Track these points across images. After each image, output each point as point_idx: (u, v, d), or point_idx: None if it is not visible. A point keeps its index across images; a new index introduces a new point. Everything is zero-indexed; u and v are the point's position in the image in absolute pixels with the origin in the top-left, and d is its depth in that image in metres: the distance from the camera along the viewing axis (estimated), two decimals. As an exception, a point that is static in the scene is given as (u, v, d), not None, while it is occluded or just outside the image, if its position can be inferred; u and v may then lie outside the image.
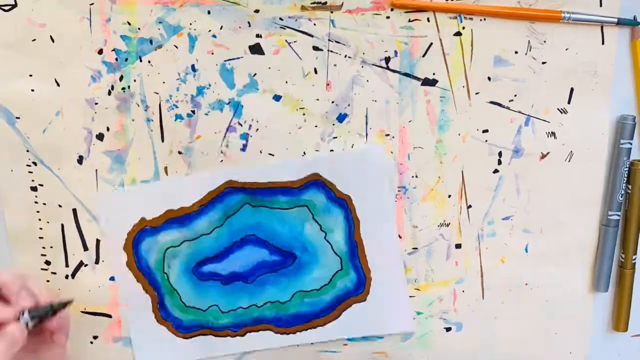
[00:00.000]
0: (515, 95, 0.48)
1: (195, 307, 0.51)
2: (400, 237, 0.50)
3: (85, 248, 0.50)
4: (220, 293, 0.51)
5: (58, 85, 0.47)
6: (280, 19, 0.46)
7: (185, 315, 0.51)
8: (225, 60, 0.47)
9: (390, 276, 0.51)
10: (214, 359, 0.52)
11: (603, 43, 0.47)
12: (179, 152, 0.48)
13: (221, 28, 0.46)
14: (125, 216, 0.49)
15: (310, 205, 0.49)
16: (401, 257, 0.51)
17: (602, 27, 0.47)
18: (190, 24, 0.46)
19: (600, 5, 0.47)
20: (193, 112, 0.48)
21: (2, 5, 0.46)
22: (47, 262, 0.51)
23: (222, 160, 0.49)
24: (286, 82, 0.47)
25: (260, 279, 0.50)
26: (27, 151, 0.48)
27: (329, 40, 0.47)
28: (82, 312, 0.51)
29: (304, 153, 0.48)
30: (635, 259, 0.51)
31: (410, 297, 0.52)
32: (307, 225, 0.50)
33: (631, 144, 0.49)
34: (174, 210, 0.49)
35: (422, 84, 0.48)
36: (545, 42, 0.47)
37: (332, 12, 0.46)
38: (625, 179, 0.49)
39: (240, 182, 0.48)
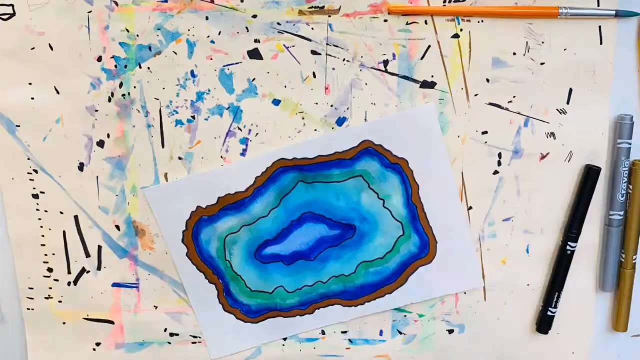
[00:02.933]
0: (514, 96, 0.48)
1: (261, 290, 0.51)
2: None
3: (87, 255, 0.50)
4: (284, 274, 0.50)
5: (58, 93, 0.47)
6: (278, 23, 0.47)
7: (252, 300, 0.51)
8: (224, 66, 0.47)
9: (455, 235, 0.50)
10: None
11: (601, 43, 0.48)
12: (179, 158, 0.49)
13: (219, 33, 0.47)
14: (179, 209, 0.49)
15: (365, 174, 0.49)
16: (463, 215, 0.50)
17: (600, 27, 0.47)
18: (189, 30, 0.46)
19: (598, 5, 0.47)
20: (193, 117, 0.48)
21: (0, 14, 0.46)
22: (49, 269, 0.51)
23: (222, 165, 0.49)
24: (285, 86, 0.48)
25: (323, 254, 0.50)
26: (28, 159, 0.48)
27: (327, 44, 0.47)
28: (85, 318, 0.52)
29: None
30: (635, 258, 0.51)
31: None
32: (363, 195, 0.49)
33: (629, 143, 0.49)
34: (229, 197, 0.49)
35: (420, 87, 0.48)
36: (543, 42, 0.47)
37: (329, 16, 0.47)
38: (625, 178, 0.49)
39: (291, 159, 0.48)
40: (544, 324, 0.52)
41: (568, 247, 0.50)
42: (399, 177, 0.49)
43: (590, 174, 0.49)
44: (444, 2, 0.46)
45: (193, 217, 0.49)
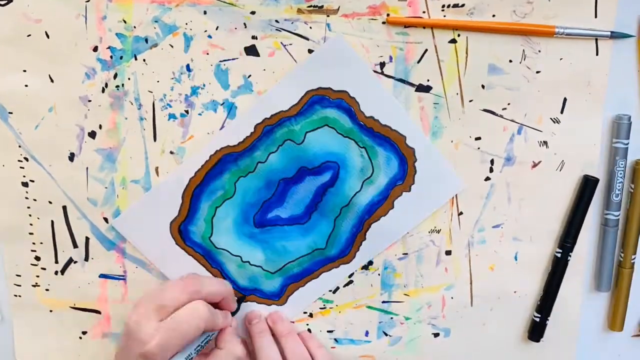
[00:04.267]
0: (508, 104, 0.48)
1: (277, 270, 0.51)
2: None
3: (75, 245, 0.50)
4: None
5: (52, 81, 0.47)
6: (276, 21, 0.46)
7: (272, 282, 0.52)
8: (220, 61, 0.47)
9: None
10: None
11: (597, 54, 0.48)
12: (171, 152, 0.48)
13: (217, 29, 0.46)
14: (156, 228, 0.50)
15: (328, 120, 0.48)
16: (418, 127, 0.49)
17: (596, 39, 0.47)
18: (186, 23, 0.46)
19: (595, 17, 0.47)
20: (187, 111, 0.48)
21: (-3, 0, 0.46)
22: (37, 258, 0.50)
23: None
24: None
25: (314, 216, 0.50)
26: (19, 147, 0.48)
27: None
28: (71, 307, 0.51)
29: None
30: (634, 258, 0.51)
31: (399, 302, 0.52)
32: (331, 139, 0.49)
33: (625, 143, 0.49)
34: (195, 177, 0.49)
35: (416, 90, 0.48)
36: (539, 51, 0.47)
37: (328, 16, 0.46)
38: (620, 178, 0.49)
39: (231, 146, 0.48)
40: (535, 331, 0.52)
41: (562, 256, 0.50)
42: (346, 114, 0.48)
43: (587, 185, 0.49)
44: (443, 8, 0.46)
45: (174, 226, 0.50)
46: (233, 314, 0.49)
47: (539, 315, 0.52)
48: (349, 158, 0.49)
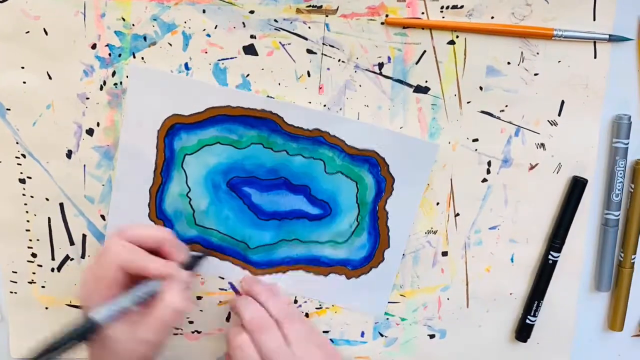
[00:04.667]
0: (506, 106, 0.49)
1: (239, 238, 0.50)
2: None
3: (72, 243, 0.50)
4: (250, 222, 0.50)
5: (50, 78, 0.47)
6: (275, 20, 0.46)
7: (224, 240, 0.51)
8: (218, 60, 0.47)
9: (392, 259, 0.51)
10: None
11: (595, 57, 0.48)
12: (169, 150, 0.48)
13: (216, 27, 0.46)
14: (159, 107, 0.47)
15: (358, 179, 0.49)
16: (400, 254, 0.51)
17: (595, 42, 0.47)
18: (185, 22, 0.46)
19: (594, 20, 0.47)
20: (185, 110, 0.48)
21: (-4, -4, 0.45)
22: (34, 255, 0.50)
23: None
24: (279, 84, 0.47)
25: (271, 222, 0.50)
26: (17, 143, 0.48)
27: (323, 43, 0.47)
28: (67, 305, 0.51)
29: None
30: (634, 258, 0.51)
31: (395, 303, 0.52)
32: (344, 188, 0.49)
33: (625, 143, 0.49)
34: (215, 109, 0.47)
35: (414, 91, 0.48)
36: (538, 54, 0.47)
37: (327, 16, 0.46)
38: (620, 178, 0.50)
39: (289, 124, 0.47)
40: (523, 332, 0.52)
41: (550, 257, 0.51)
42: (377, 186, 0.49)
43: (576, 186, 0.49)
44: (442, 9, 0.46)
45: (172, 119, 0.47)
46: (188, 268, 0.46)
47: (527, 316, 0.52)
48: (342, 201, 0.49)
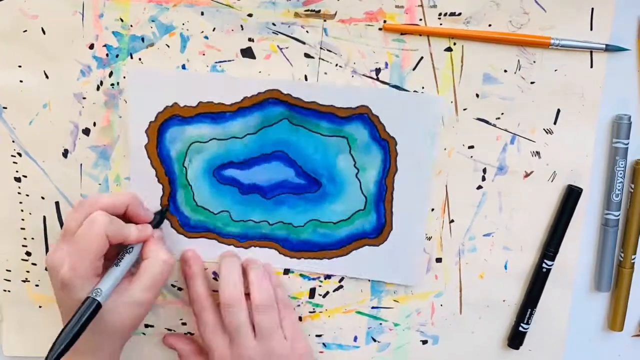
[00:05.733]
0: (502, 114, 0.49)
1: (206, 208, 0.49)
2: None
3: (66, 242, 0.50)
4: (236, 200, 0.49)
5: (47, 77, 0.47)
6: (273, 24, 0.47)
7: (194, 215, 0.50)
8: (216, 62, 0.47)
9: (411, 229, 0.50)
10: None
11: (592, 67, 0.48)
12: (164, 152, 0.49)
13: (214, 30, 0.46)
14: (155, 97, 0.47)
15: (351, 138, 0.48)
16: (425, 215, 0.50)
17: (591, 52, 0.48)
18: (183, 24, 0.46)
19: (591, 29, 0.47)
20: (181, 112, 0.48)
21: (-5, -5, 0.46)
22: (28, 253, 0.50)
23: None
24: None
25: (280, 197, 0.49)
26: (13, 142, 0.48)
27: (321, 48, 0.47)
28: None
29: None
30: (634, 258, 0.51)
31: (388, 308, 0.52)
32: (340, 157, 0.49)
33: (625, 143, 0.49)
34: (211, 105, 0.47)
35: (410, 97, 0.48)
36: (534, 62, 0.48)
37: (325, 21, 0.47)
38: (620, 178, 0.50)
39: (285, 94, 0.47)
40: (515, 339, 0.52)
41: (544, 265, 0.51)
42: (382, 154, 0.48)
43: (571, 194, 0.49)
44: (439, 16, 0.46)
45: (166, 112, 0.47)
46: (155, 226, 0.48)
47: (520, 323, 0.52)
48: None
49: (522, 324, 0.52)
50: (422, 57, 0.47)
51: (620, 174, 0.50)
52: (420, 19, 0.46)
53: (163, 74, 0.47)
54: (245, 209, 0.50)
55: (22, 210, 0.50)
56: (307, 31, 0.47)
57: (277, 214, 0.50)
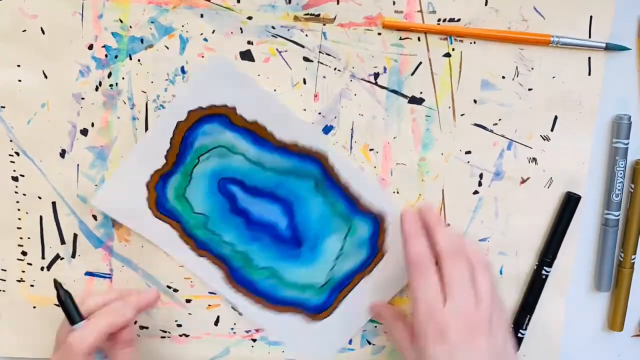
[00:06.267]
0: (499, 119, 0.49)
1: (189, 202, 0.49)
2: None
3: (63, 242, 0.50)
4: (221, 213, 0.49)
5: (46, 77, 0.47)
6: (273, 27, 0.47)
7: (174, 202, 0.49)
8: (215, 64, 0.47)
9: (347, 324, 0.52)
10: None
11: (590, 74, 0.48)
12: (162, 153, 0.48)
13: (213, 32, 0.47)
14: (220, 90, 0.47)
15: (352, 229, 0.50)
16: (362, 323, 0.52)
17: (589, 58, 0.48)
18: (183, 25, 0.46)
19: (589, 37, 0.47)
20: (179, 113, 0.48)
21: (-6, -6, 0.46)
22: (24, 253, 0.50)
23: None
24: (274, 90, 0.48)
25: (259, 234, 0.49)
26: (11, 141, 0.48)
27: (320, 52, 0.47)
28: (55, 304, 0.51)
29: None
30: (634, 258, 0.52)
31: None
32: (334, 236, 0.50)
33: (625, 143, 0.49)
34: (263, 129, 0.47)
35: (408, 102, 0.48)
36: (532, 69, 0.48)
37: (324, 25, 0.47)
38: (620, 178, 0.50)
39: (330, 164, 0.48)
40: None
41: (543, 272, 0.51)
42: (367, 256, 0.50)
43: (570, 201, 0.50)
44: (439, 21, 0.47)
45: (220, 108, 0.47)
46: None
47: (518, 329, 0.52)
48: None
49: (520, 330, 0.52)
50: (420, 62, 0.47)
51: (620, 174, 0.50)
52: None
53: (243, 76, 0.47)
54: (223, 225, 0.50)
55: (18, 210, 0.49)
56: (306, 35, 0.47)
57: (246, 245, 0.50)
